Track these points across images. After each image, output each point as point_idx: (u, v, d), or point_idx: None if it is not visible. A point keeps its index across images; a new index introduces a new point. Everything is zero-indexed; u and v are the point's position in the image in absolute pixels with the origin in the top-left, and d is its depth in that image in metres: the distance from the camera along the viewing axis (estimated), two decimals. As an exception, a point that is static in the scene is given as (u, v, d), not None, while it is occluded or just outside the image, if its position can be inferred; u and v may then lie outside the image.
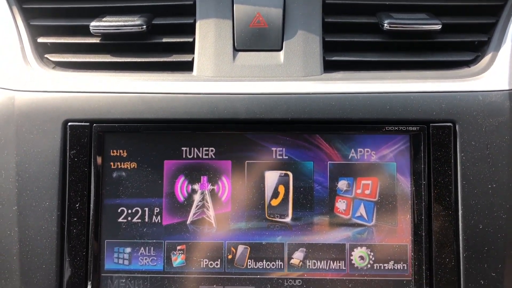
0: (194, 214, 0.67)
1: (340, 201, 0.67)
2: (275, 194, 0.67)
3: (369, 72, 0.71)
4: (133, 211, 0.67)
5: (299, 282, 0.66)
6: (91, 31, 0.72)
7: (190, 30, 0.73)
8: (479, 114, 0.66)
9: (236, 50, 0.72)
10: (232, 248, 0.67)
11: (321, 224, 0.67)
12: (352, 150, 0.67)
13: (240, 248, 0.67)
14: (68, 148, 0.67)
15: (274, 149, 0.68)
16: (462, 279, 0.64)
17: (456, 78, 0.69)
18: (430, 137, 0.66)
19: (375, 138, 0.67)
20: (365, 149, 0.67)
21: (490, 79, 0.68)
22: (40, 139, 0.68)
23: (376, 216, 0.67)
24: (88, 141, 0.67)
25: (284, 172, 0.67)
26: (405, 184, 0.66)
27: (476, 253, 0.64)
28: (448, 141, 0.66)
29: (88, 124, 0.67)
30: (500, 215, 0.65)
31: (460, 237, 0.65)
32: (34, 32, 0.76)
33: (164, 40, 0.73)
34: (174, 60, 0.72)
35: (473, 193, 0.65)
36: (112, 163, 0.68)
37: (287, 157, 0.67)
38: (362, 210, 0.67)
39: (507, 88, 0.67)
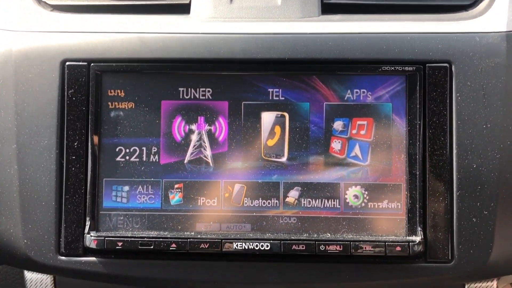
0: (191, 153, 0.68)
1: (335, 141, 0.68)
2: (271, 135, 0.68)
3: (366, 15, 0.71)
4: (131, 150, 0.68)
5: (294, 219, 0.67)
6: None
7: None
8: (475, 55, 0.66)
9: (233, -8, 0.72)
10: (229, 187, 0.68)
11: (316, 163, 0.67)
12: (348, 91, 0.67)
13: (237, 186, 0.68)
14: (66, 87, 0.68)
15: (270, 90, 0.68)
16: (455, 217, 0.65)
17: (454, 20, 0.69)
18: (426, 77, 0.66)
19: (371, 79, 0.67)
20: (361, 90, 0.67)
21: (488, 20, 0.68)
22: (38, 78, 0.68)
23: (371, 156, 0.67)
24: (86, 80, 0.67)
25: (280, 113, 0.68)
26: (400, 125, 0.67)
27: (469, 192, 0.65)
28: (444, 82, 0.66)
29: (85, 63, 0.67)
30: (494, 155, 0.65)
31: (454, 176, 0.65)
32: (31, -24, 0.76)
33: None
34: (171, 2, 0.72)
35: (468, 133, 0.65)
36: (109, 103, 0.68)
37: (283, 98, 0.68)
38: (357, 150, 0.67)
39: (504, 29, 0.67)
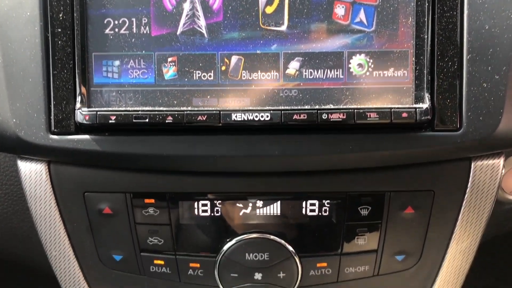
0: (184, 24, 0.64)
1: (338, 6, 0.63)
2: (270, 1, 0.63)
3: None
4: (120, 22, 0.64)
5: (295, 92, 0.64)
6: None
7: None
8: None
9: None
10: (226, 59, 0.64)
11: (318, 31, 0.63)
12: (353, -50, 0.62)
13: (234, 58, 0.64)
14: (46, -47, 0.63)
15: (268, -49, 0.63)
16: (464, 82, 0.62)
17: None
18: None
19: None
20: (367, -52, 0.62)
21: None
22: None
23: (377, 21, 0.63)
24: None
25: (279, -24, 0.63)
26: (408, -15, 0.62)
27: (480, 55, 0.62)
28: None
29: None
30: (508, 15, 0.61)
31: (465, 39, 0.62)
32: None
33: None
34: None
35: (481, -9, 0.61)
36: (94, -30, 0.63)
37: (282, -41, 0.63)
38: (362, 15, 0.63)
39: None
